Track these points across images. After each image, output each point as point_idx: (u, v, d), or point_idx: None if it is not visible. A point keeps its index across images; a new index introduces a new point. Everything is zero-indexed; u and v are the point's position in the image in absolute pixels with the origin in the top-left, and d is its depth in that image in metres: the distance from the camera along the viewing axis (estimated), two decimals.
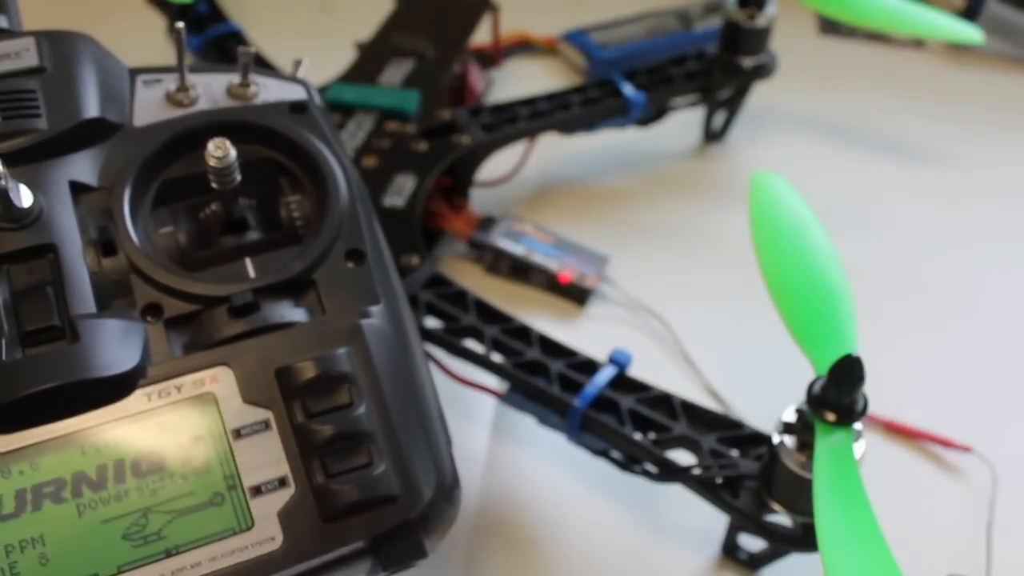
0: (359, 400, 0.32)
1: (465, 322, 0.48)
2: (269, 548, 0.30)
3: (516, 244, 0.59)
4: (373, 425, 0.31)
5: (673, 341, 0.56)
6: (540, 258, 0.59)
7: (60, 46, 0.36)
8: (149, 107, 0.37)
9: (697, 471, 0.42)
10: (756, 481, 0.41)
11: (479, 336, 0.48)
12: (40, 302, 0.31)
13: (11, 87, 0.34)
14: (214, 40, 0.67)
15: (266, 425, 0.31)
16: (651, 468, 0.44)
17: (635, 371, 0.46)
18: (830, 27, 0.83)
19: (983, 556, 0.46)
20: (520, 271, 0.59)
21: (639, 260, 0.61)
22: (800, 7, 0.63)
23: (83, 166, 0.34)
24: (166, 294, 0.33)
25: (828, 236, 0.41)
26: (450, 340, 0.48)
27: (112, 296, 0.32)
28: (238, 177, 0.35)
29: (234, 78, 0.38)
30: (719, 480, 0.42)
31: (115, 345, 0.30)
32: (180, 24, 0.36)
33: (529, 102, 0.62)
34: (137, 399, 0.30)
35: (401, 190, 0.56)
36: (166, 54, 0.65)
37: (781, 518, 0.41)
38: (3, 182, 0.31)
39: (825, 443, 0.36)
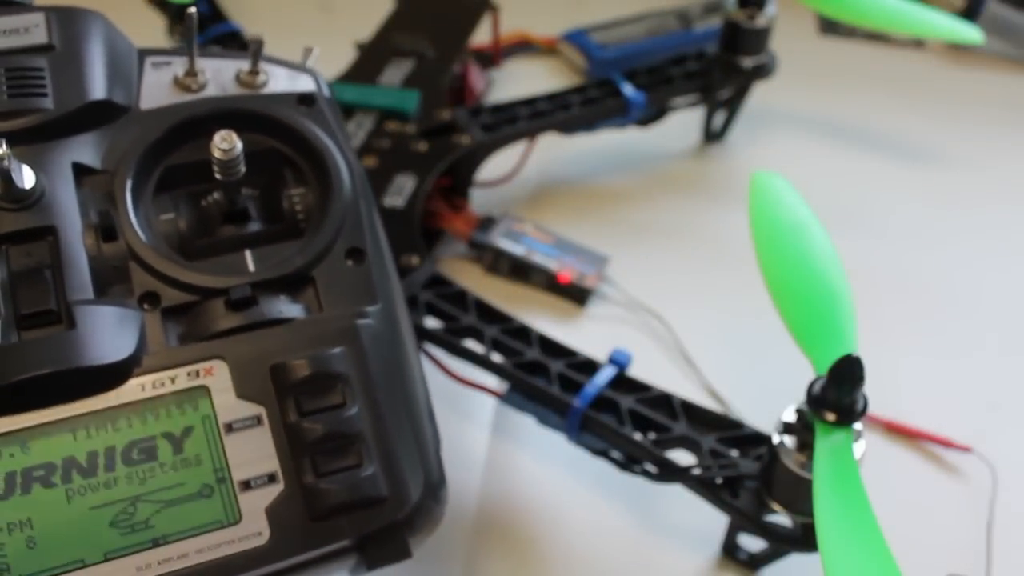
0: (352, 401, 0.32)
1: (465, 322, 0.48)
2: (256, 543, 0.30)
3: (516, 244, 0.59)
4: (364, 426, 0.31)
5: (673, 341, 0.56)
6: (540, 258, 0.59)
7: (70, 23, 0.35)
8: (157, 90, 0.36)
9: (697, 471, 0.42)
10: (756, 481, 0.41)
11: (479, 336, 0.48)
12: (38, 285, 0.31)
13: (18, 64, 0.34)
14: (214, 40, 0.67)
15: (258, 421, 0.31)
16: (651, 468, 0.44)
17: (635, 371, 0.46)
18: (830, 27, 0.83)
19: (983, 556, 0.46)
20: (520, 271, 0.59)
21: (639, 260, 0.61)
22: (800, 7, 0.63)
23: (87, 148, 0.34)
24: (164, 283, 0.33)
25: (828, 236, 0.41)
26: (450, 340, 0.48)
27: (110, 282, 0.32)
28: (243, 169, 0.34)
29: (244, 65, 0.38)
30: (719, 480, 0.42)
31: (111, 333, 0.30)
32: (192, 9, 0.35)
33: (529, 102, 0.62)
34: (131, 388, 0.30)
35: (401, 190, 0.56)
36: None
37: (781, 518, 0.41)
38: (5, 162, 0.31)
39: (825, 443, 0.36)
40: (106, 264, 0.32)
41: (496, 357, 0.47)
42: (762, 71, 0.65)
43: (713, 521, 0.44)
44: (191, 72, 0.37)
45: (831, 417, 0.36)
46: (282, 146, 0.37)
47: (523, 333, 0.48)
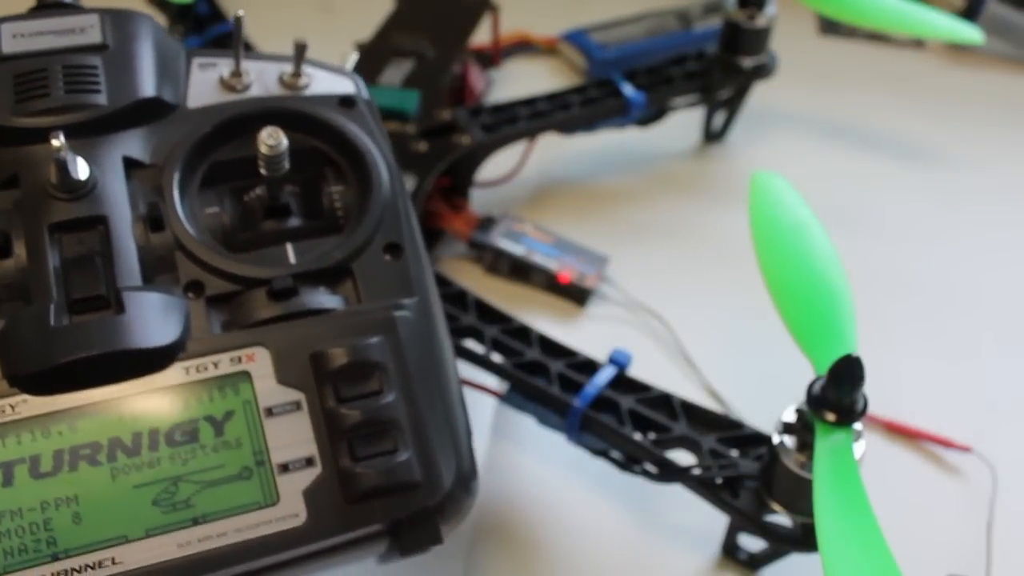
0: (388, 388, 0.33)
1: (465, 322, 0.48)
2: (293, 524, 0.31)
3: (516, 244, 0.59)
4: (400, 413, 0.32)
5: (673, 341, 0.56)
6: (540, 258, 0.59)
7: (122, 24, 0.37)
8: (203, 89, 0.38)
9: (697, 471, 0.42)
10: (756, 481, 0.41)
11: (479, 336, 0.48)
12: (89, 272, 0.32)
13: (75, 62, 0.35)
14: (214, 40, 0.67)
15: (297, 406, 0.32)
16: (651, 468, 0.44)
17: (635, 371, 0.46)
18: (830, 27, 0.83)
19: (983, 556, 0.46)
20: (520, 271, 0.59)
21: (639, 260, 0.61)
22: (800, 7, 0.63)
23: (137, 143, 0.35)
24: (209, 273, 0.34)
25: (828, 236, 0.41)
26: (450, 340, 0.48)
27: (157, 271, 0.34)
28: (287, 165, 0.35)
29: (287, 68, 0.39)
30: (719, 480, 0.42)
31: (158, 318, 0.32)
32: (240, 12, 0.37)
33: (529, 102, 0.62)
34: (175, 372, 0.31)
35: None
36: None
37: (781, 518, 0.41)
38: (62, 153, 0.32)
39: (825, 443, 0.36)
40: (153, 253, 0.34)
41: (496, 357, 0.47)
42: (762, 71, 0.65)
43: (713, 521, 0.44)
44: (236, 73, 0.38)
45: (831, 417, 0.36)
46: (323, 145, 0.38)
47: (523, 333, 0.48)
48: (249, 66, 0.39)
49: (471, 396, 0.50)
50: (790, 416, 0.39)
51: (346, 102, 0.39)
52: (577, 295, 0.58)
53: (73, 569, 0.29)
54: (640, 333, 0.56)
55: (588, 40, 0.76)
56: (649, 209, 0.66)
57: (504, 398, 0.48)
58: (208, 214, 0.36)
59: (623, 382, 0.46)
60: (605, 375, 0.45)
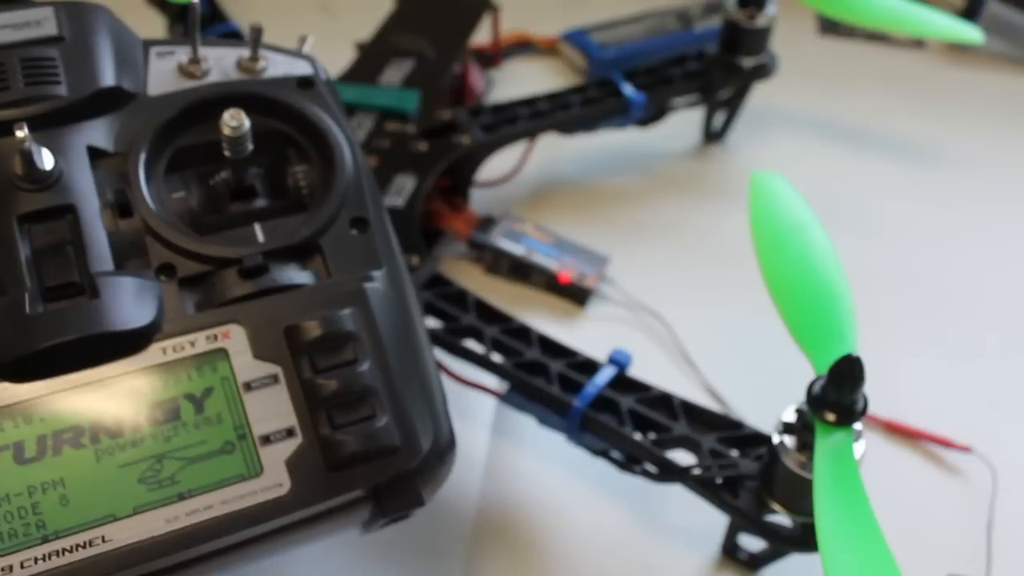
0: (363, 357, 0.33)
1: (465, 322, 0.48)
2: (277, 493, 0.31)
3: (516, 244, 0.59)
4: (376, 381, 0.33)
5: (673, 341, 0.56)
6: (540, 258, 0.59)
7: (77, 16, 0.37)
8: (162, 78, 0.38)
9: (697, 471, 0.42)
10: (756, 481, 0.41)
11: (479, 336, 0.48)
12: (61, 260, 0.32)
13: (33, 55, 0.36)
14: None
15: (275, 379, 0.32)
16: (651, 468, 0.44)
17: (635, 371, 0.46)
18: (830, 27, 0.83)
19: (983, 556, 0.46)
20: (520, 271, 0.59)
21: (639, 260, 0.61)
22: (800, 7, 0.63)
23: (100, 132, 0.36)
24: (180, 255, 0.34)
25: (828, 236, 0.41)
26: (450, 340, 0.48)
27: (128, 256, 0.34)
28: (250, 146, 0.36)
29: (244, 53, 0.39)
30: (719, 480, 0.42)
31: (132, 301, 0.32)
32: (195, 0, 0.37)
33: (529, 102, 0.62)
34: (153, 353, 0.32)
35: (401, 190, 0.56)
36: None
37: (781, 518, 0.41)
38: (26, 145, 0.32)
39: (825, 443, 0.36)
40: (123, 239, 0.34)
41: (496, 357, 0.47)
42: (762, 71, 0.65)
43: (713, 521, 0.44)
44: (194, 60, 0.39)
45: (831, 417, 0.36)
46: (285, 126, 0.39)
47: (523, 333, 0.48)
48: (207, 52, 0.39)
49: (471, 396, 0.50)
50: (790, 416, 0.39)
51: (305, 83, 0.39)
52: (577, 295, 0.58)
53: (64, 549, 0.30)
54: (640, 333, 0.56)
55: (588, 40, 0.76)
56: (649, 209, 0.66)
57: (504, 398, 0.48)
58: (175, 199, 0.37)
59: (623, 382, 0.46)
60: (605, 375, 0.45)
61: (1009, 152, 0.71)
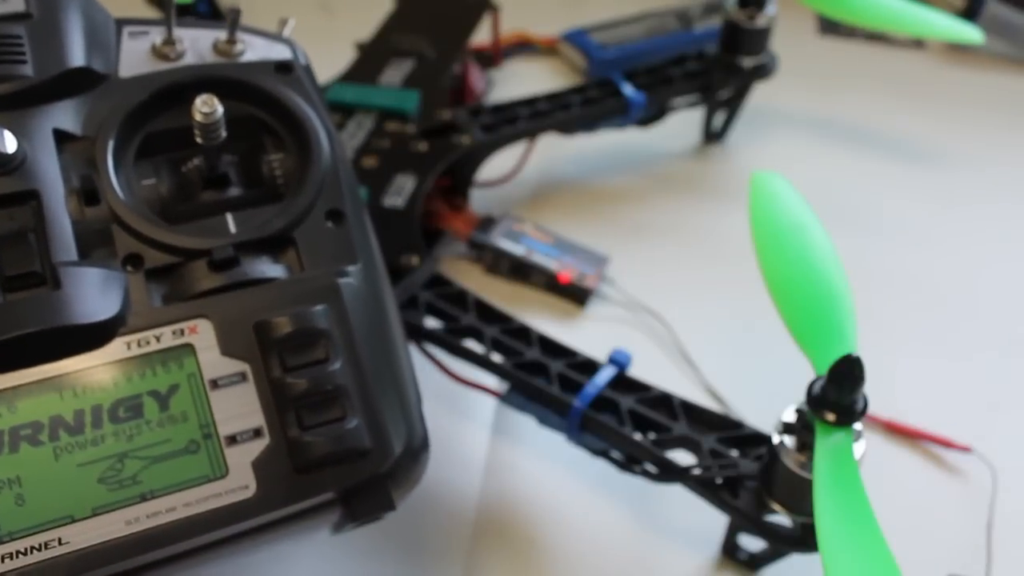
0: (334, 356, 0.32)
1: (465, 322, 0.48)
2: (243, 496, 0.30)
3: (516, 244, 0.59)
4: (347, 380, 0.32)
5: (673, 341, 0.56)
6: (540, 258, 0.59)
7: None
8: (135, 59, 0.37)
9: (697, 471, 0.42)
10: (756, 481, 0.41)
11: (479, 336, 0.48)
12: (22, 248, 0.31)
13: None
14: None
15: (243, 377, 0.31)
16: (651, 468, 0.44)
17: (635, 371, 0.46)
18: (830, 27, 0.83)
19: (983, 556, 0.46)
20: (520, 271, 0.59)
21: (639, 260, 0.61)
22: (800, 7, 0.63)
23: (67, 115, 0.34)
24: (147, 245, 0.33)
25: (828, 236, 0.41)
26: (450, 340, 0.48)
27: (94, 245, 0.33)
28: (224, 133, 0.35)
29: (221, 35, 0.38)
30: (719, 480, 0.42)
31: (96, 293, 0.31)
32: None
33: (529, 102, 0.62)
34: (116, 347, 0.31)
35: (401, 190, 0.56)
36: None
37: (781, 518, 0.41)
38: None
39: (825, 443, 0.36)
40: (89, 227, 0.33)
41: (496, 357, 0.47)
42: (762, 71, 0.65)
43: (713, 521, 0.44)
44: (169, 41, 0.37)
45: (831, 417, 0.36)
46: (261, 112, 0.37)
47: (523, 333, 0.48)
48: (182, 34, 0.38)
49: (471, 396, 0.50)
50: (790, 416, 0.39)
51: (283, 68, 0.38)
52: (577, 295, 0.58)
53: (18, 551, 0.29)
54: (640, 333, 0.56)
55: (588, 40, 0.76)
56: (649, 209, 0.66)
57: (504, 398, 0.47)
58: (144, 186, 0.35)
59: (623, 382, 0.46)
60: (605, 375, 0.45)
61: (1009, 152, 0.71)
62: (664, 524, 0.47)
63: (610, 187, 0.67)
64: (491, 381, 0.48)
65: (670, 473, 0.43)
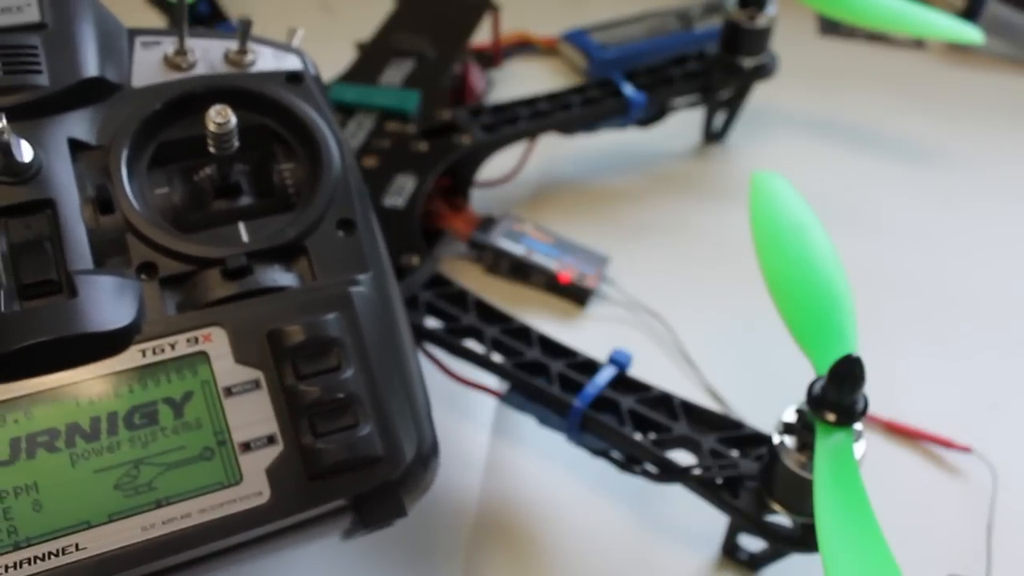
0: (347, 364, 0.32)
1: (465, 322, 0.48)
2: (257, 502, 0.31)
3: (516, 244, 0.59)
4: (359, 388, 0.32)
5: (673, 341, 0.56)
6: (540, 258, 0.59)
7: (61, 2, 0.36)
8: (147, 69, 0.37)
9: (697, 471, 0.42)
10: (756, 481, 0.41)
11: (479, 336, 0.48)
12: (38, 256, 0.31)
13: (13, 42, 0.34)
14: None
15: (256, 384, 0.32)
16: (651, 468, 0.44)
17: (635, 371, 0.46)
18: (830, 27, 0.83)
19: (983, 556, 0.46)
20: (520, 271, 0.59)
21: (639, 260, 0.61)
22: (800, 7, 0.63)
23: (82, 124, 0.35)
24: (161, 254, 0.33)
25: (828, 236, 0.41)
26: (450, 340, 0.48)
27: (108, 253, 0.33)
28: (236, 143, 0.35)
29: (232, 45, 0.38)
30: (719, 480, 0.42)
31: (111, 301, 0.31)
32: None
33: (529, 102, 0.62)
34: (132, 355, 0.31)
35: (401, 190, 0.56)
36: None
37: (781, 518, 0.41)
38: (4, 136, 0.31)
39: (825, 443, 0.36)
40: (104, 236, 0.33)
41: (496, 357, 0.47)
42: (762, 71, 0.65)
43: (713, 521, 0.44)
44: (181, 51, 0.38)
45: (831, 417, 0.36)
46: (272, 122, 0.38)
47: (523, 333, 0.48)
48: (194, 44, 0.38)
49: (471, 396, 0.50)
50: (790, 416, 0.39)
51: (293, 78, 0.38)
52: (577, 295, 0.58)
53: (36, 557, 0.29)
54: (640, 333, 0.56)
55: (588, 40, 0.76)
56: (649, 209, 0.66)
57: (504, 398, 0.47)
58: (158, 195, 0.36)
59: (623, 382, 0.46)
60: (605, 375, 0.45)
61: (1009, 152, 0.71)
62: (664, 524, 0.47)
63: (610, 187, 0.67)
64: (491, 381, 0.48)
65: (670, 473, 0.43)
